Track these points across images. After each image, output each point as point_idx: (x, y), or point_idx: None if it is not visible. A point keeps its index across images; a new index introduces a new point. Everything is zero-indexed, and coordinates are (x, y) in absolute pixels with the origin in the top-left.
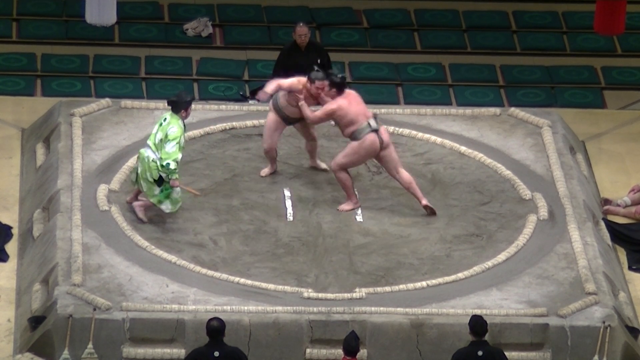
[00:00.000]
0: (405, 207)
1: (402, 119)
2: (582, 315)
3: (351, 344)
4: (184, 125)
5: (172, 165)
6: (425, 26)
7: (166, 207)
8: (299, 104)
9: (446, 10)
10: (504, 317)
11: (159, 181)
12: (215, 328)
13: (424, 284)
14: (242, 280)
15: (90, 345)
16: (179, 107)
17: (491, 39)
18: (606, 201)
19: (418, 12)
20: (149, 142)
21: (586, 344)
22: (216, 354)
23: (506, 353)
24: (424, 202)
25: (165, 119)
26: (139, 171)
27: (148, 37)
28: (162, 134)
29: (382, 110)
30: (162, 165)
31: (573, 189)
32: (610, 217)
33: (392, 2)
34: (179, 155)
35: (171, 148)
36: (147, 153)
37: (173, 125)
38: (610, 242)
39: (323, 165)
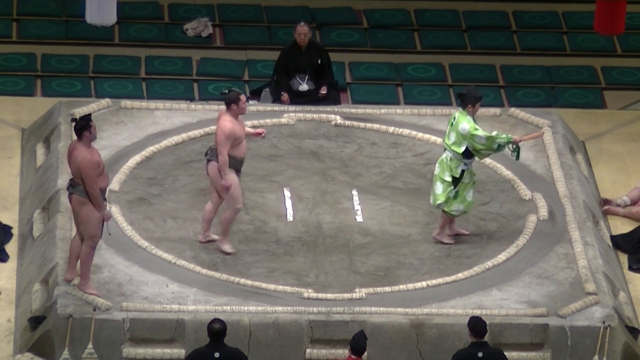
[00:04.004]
0: (405, 207)
1: (402, 119)
2: (582, 315)
3: (360, 344)
4: (474, 120)
5: (481, 133)
6: (425, 26)
7: (457, 208)
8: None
9: (446, 10)
10: (504, 317)
11: (457, 180)
12: (218, 330)
13: (424, 284)
14: (242, 280)
15: (90, 345)
16: (466, 101)
17: (491, 39)
18: (606, 201)
19: (418, 12)
20: (444, 144)
21: (586, 344)
22: (217, 354)
23: (506, 353)
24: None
25: (455, 117)
26: (436, 172)
27: (148, 37)
28: (454, 134)
29: (382, 110)
30: (477, 146)
31: (573, 189)
32: (610, 217)
33: (392, 2)
34: (480, 131)
35: (480, 139)
36: (445, 155)
37: (462, 122)
38: (610, 243)
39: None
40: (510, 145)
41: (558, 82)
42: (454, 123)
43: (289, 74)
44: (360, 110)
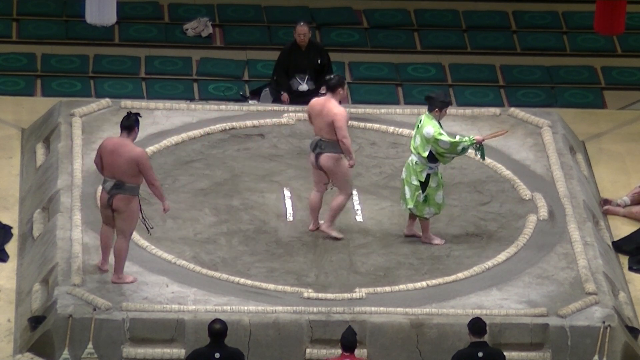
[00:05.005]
0: None
1: (402, 119)
2: (582, 315)
3: (349, 339)
4: (440, 125)
5: (445, 138)
6: (425, 26)
7: (428, 212)
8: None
9: (446, 10)
10: (504, 317)
11: (423, 185)
12: (218, 331)
13: (424, 284)
14: (242, 280)
15: (90, 345)
16: (434, 105)
17: (491, 39)
18: (606, 201)
19: (418, 12)
20: (411, 147)
21: (586, 344)
22: (217, 355)
23: (506, 353)
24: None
25: (421, 120)
26: (404, 176)
27: (148, 37)
28: (419, 137)
29: (382, 110)
30: (440, 150)
31: (573, 189)
32: (610, 217)
33: (392, 2)
34: (444, 136)
35: (444, 144)
36: (411, 158)
37: (427, 126)
38: (610, 243)
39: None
40: (474, 145)
41: (558, 82)
42: (419, 126)
43: (289, 74)
44: (360, 110)
